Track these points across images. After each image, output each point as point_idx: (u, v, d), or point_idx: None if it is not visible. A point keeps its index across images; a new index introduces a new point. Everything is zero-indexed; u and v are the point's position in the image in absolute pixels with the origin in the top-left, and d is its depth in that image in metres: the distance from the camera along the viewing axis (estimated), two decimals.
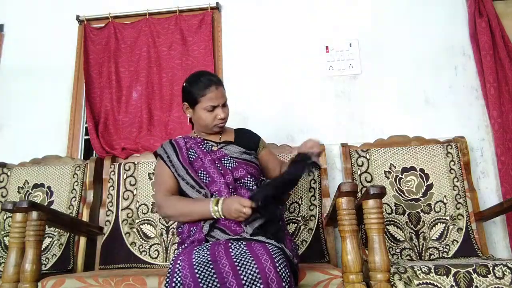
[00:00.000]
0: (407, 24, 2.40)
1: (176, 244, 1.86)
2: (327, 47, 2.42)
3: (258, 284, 1.08)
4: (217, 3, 2.52)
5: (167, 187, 1.51)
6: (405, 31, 2.39)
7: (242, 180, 1.49)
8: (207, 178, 1.48)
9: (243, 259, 1.13)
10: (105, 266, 1.93)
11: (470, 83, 2.29)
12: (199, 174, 1.49)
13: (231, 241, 1.25)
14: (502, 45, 2.21)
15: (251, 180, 1.50)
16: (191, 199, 1.45)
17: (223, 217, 1.35)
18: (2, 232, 2.04)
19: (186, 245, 1.38)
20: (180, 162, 1.52)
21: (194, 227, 1.39)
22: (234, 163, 1.52)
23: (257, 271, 1.10)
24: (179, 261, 1.15)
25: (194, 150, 1.56)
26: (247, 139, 1.66)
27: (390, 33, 2.40)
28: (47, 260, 1.94)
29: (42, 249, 1.48)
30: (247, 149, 1.61)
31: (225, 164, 1.51)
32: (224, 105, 1.55)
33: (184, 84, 1.57)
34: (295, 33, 2.45)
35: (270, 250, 1.16)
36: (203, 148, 1.56)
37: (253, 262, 1.12)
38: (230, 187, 1.45)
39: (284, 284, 1.10)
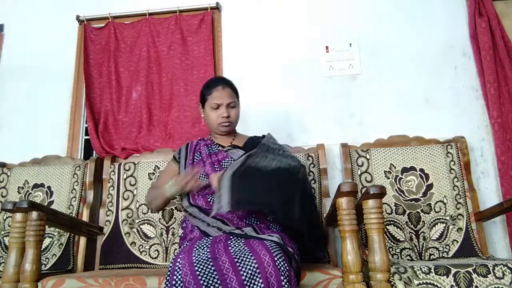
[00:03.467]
0: (407, 24, 2.40)
1: (179, 239, 1.88)
2: (327, 47, 2.42)
3: (258, 279, 1.10)
4: (217, 3, 2.52)
5: (158, 183, 1.67)
6: (405, 31, 2.39)
7: None
8: (205, 180, 1.52)
9: (242, 255, 1.15)
10: (105, 266, 1.93)
11: (470, 83, 2.29)
12: (198, 177, 1.51)
13: (231, 237, 1.28)
14: (502, 45, 2.21)
15: None
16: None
17: (175, 188, 1.47)
18: (2, 232, 2.04)
19: (187, 239, 1.44)
20: (184, 166, 1.63)
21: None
22: None
23: (256, 265, 1.12)
24: (179, 259, 1.17)
25: (200, 152, 1.63)
26: (255, 144, 1.64)
27: (390, 33, 2.40)
28: (47, 260, 1.94)
29: (42, 249, 1.48)
30: None
31: (224, 166, 1.55)
32: (231, 106, 1.63)
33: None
34: (295, 33, 2.45)
35: (269, 246, 1.18)
36: (208, 151, 1.62)
37: (252, 258, 1.13)
38: None
39: (282, 277, 1.11)
